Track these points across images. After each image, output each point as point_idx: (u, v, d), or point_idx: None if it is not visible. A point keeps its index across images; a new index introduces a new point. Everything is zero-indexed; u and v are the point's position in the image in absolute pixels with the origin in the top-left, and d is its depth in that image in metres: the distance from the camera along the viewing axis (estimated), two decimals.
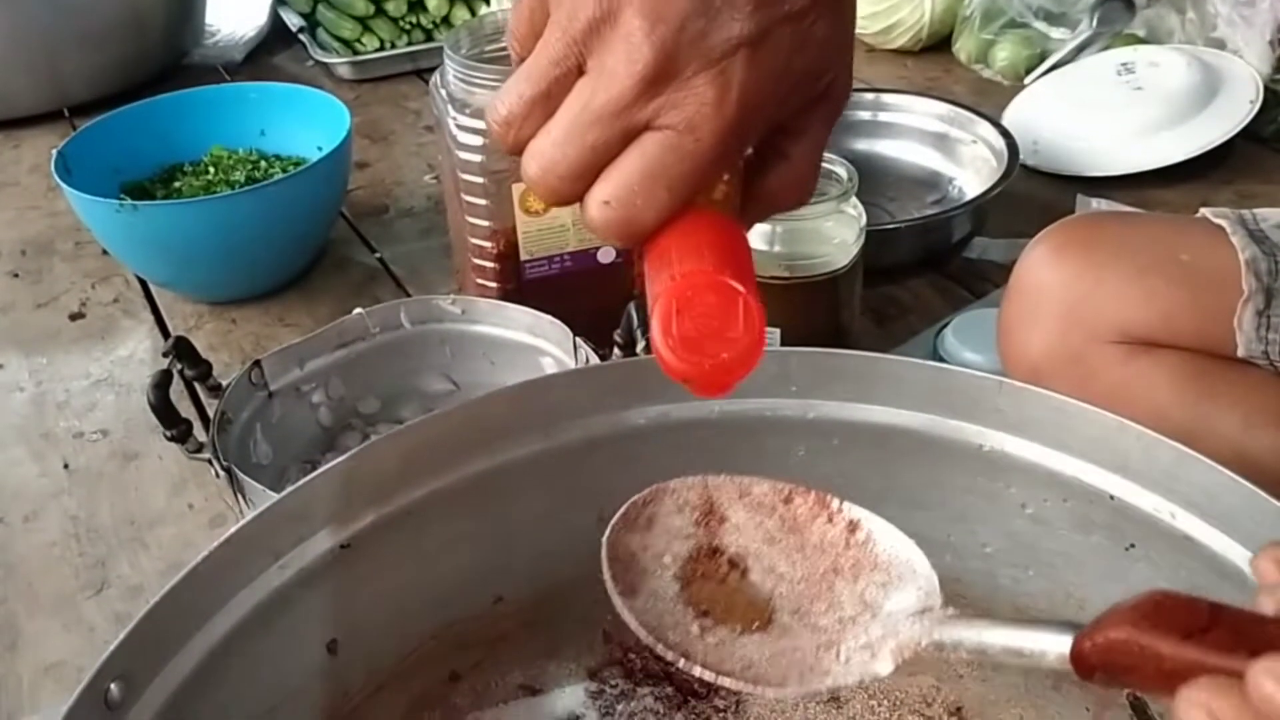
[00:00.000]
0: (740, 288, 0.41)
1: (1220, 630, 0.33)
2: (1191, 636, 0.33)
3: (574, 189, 0.41)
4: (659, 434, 0.68)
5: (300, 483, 0.58)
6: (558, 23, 0.39)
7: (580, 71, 0.39)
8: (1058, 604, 0.67)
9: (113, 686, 0.47)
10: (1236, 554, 0.56)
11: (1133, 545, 0.62)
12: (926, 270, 1.25)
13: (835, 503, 0.49)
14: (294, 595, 0.58)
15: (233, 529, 0.55)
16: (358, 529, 0.61)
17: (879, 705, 0.74)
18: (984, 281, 1.23)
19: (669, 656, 0.45)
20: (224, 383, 0.91)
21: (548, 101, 0.40)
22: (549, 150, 0.40)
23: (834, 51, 0.42)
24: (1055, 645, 0.38)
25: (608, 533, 0.48)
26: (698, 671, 0.45)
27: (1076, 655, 0.36)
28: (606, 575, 0.46)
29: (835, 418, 0.68)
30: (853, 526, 0.49)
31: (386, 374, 1.00)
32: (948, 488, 0.67)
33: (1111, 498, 0.62)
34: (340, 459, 0.59)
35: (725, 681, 0.44)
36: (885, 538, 0.48)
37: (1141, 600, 0.35)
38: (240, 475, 0.78)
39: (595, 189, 0.40)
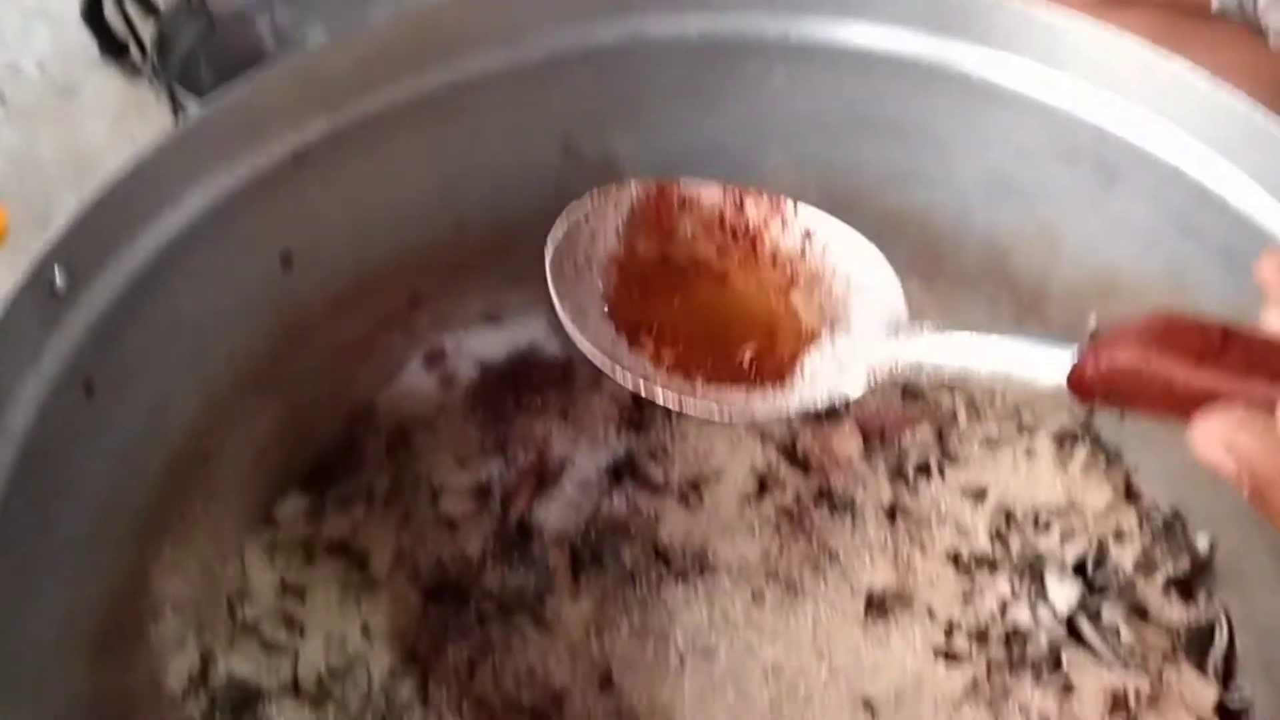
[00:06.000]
0: None
1: (1235, 353, 0.31)
2: (1205, 360, 0.31)
3: None
4: (630, 54, 0.64)
5: (247, 78, 0.54)
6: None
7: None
8: (1029, 236, 0.66)
9: (56, 271, 0.45)
10: (1224, 173, 0.55)
11: (1117, 176, 0.60)
12: None
13: (789, 205, 0.46)
14: (246, 201, 0.55)
15: (179, 126, 0.52)
16: (311, 138, 0.57)
17: None
18: None
19: (626, 382, 0.41)
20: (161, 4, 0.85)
21: None
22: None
23: None
24: (1050, 369, 0.34)
25: (549, 252, 0.44)
26: (658, 397, 0.41)
27: (1077, 380, 0.33)
28: (553, 295, 0.43)
29: (818, 39, 0.64)
30: (808, 234, 0.46)
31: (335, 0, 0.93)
32: (930, 116, 0.65)
33: (1100, 129, 0.59)
34: (290, 57, 0.55)
35: (686, 408, 0.41)
36: (843, 244, 0.45)
37: (1151, 321, 0.32)
38: (182, 93, 0.73)
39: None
